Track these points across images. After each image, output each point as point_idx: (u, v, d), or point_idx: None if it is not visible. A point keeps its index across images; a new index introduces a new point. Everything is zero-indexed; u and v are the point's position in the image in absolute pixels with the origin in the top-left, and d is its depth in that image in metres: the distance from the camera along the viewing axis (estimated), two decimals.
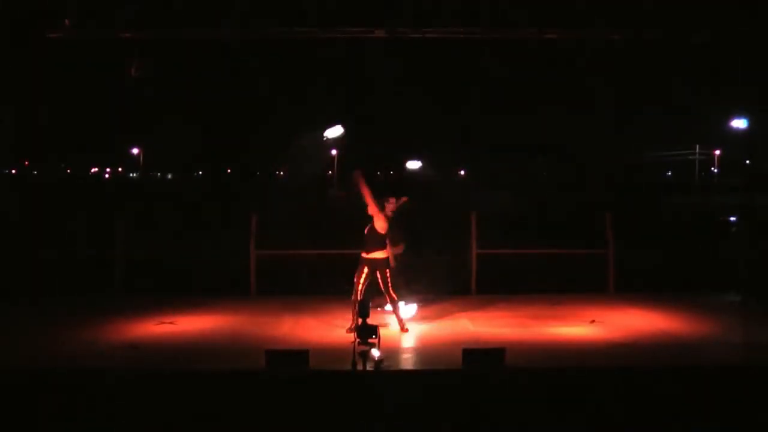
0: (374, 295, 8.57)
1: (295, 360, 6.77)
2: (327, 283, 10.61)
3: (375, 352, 6.77)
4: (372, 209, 8.36)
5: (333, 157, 74.51)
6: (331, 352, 7.41)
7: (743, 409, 6.35)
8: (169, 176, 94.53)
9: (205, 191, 46.69)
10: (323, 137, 8.49)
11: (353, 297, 8.36)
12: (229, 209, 22.61)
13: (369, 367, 6.69)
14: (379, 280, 8.39)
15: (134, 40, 9.78)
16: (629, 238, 12.87)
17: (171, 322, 8.87)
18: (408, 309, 8.98)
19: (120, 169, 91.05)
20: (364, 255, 8.41)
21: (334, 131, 8.51)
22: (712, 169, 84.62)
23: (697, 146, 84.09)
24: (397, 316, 8.48)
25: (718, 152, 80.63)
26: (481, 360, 6.82)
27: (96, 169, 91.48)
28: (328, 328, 8.54)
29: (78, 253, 12.76)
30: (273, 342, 7.73)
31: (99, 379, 6.59)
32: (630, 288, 11.02)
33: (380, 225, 8.37)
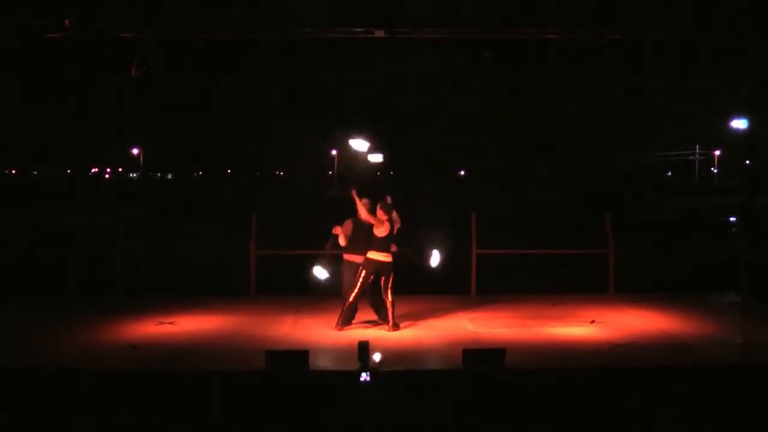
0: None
1: (295, 360, 6.77)
2: (327, 282, 10.60)
3: (376, 356, 6.79)
4: (368, 218, 8.51)
5: (333, 158, 74.56)
6: (331, 352, 7.41)
7: (743, 409, 6.35)
8: (169, 176, 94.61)
9: (205, 191, 46.72)
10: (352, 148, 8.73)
11: (365, 297, 8.59)
12: (229, 209, 22.64)
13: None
14: (382, 283, 8.45)
15: (134, 40, 9.77)
16: (629, 238, 12.90)
17: (171, 322, 8.87)
18: (433, 257, 8.86)
19: (120, 170, 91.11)
20: (368, 257, 8.45)
21: (359, 144, 8.68)
22: (712, 169, 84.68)
23: (697, 146, 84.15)
24: (390, 315, 8.50)
25: (718, 152, 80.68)
26: (481, 360, 6.82)
27: (96, 170, 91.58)
28: (328, 328, 8.53)
29: (78, 253, 12.78)
30: (273, 342, 7.73)
31: (99, 379, 6.59)
32: (630, 288, 11.02)
33: (380, 231, 8.44)
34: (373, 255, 8.42)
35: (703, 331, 8.49)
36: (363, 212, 8.53)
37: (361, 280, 8.43)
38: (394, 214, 8.56)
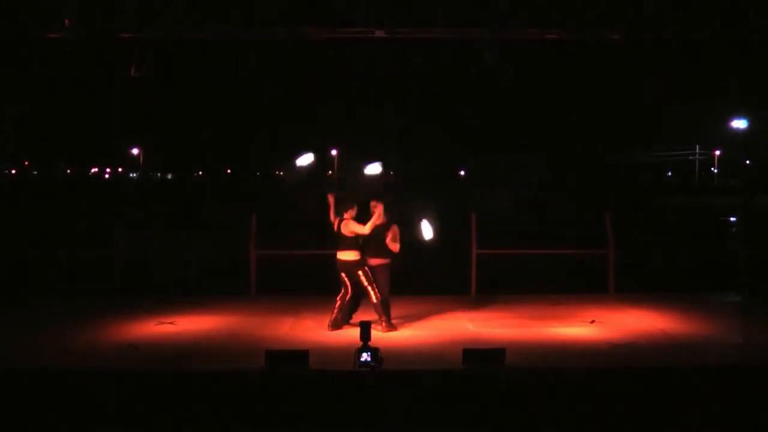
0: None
1: (295, 360, 6.78)
2: (327, 283, 10.61)
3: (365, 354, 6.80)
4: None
5: (333, 157, 74.63)
6: (331, 352, 7.41)
7: (743, 409, 6.35)
8: (169, 176, 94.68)
9: (206, 191, 46.73)
10: (296, 166, 8.73)
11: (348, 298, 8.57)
12: (228, 209, 22.64)
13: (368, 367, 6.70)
14: (361, 280, 8.43)
15: (134, 40, 9.77)
16: (629, 238, 12.91)
17: (171, 322, 8.87)
18: (425, 230, 8.52)
19: (120, 170, 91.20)
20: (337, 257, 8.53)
21: (305, 159, 8.67)
22: (712, 169, 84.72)
23: (697, 146, 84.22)
24: (378, 313, 8.46)
25: (718, 152, 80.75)
26: (481, 360, 6.83)
27: (96, 170, 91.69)
28: (328, 329, 8.52)
29: (78, 253, 12.77)
30: (273, 342, 7.74)
31: (99, 379, 6.59)
32: (630, 288, 11.03)
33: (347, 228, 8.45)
34: (338, 254, 8.51)
35: (703, 331, 8.49)
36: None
37: (340, 280, 8.51)
38: (350, 213, 8.50)
